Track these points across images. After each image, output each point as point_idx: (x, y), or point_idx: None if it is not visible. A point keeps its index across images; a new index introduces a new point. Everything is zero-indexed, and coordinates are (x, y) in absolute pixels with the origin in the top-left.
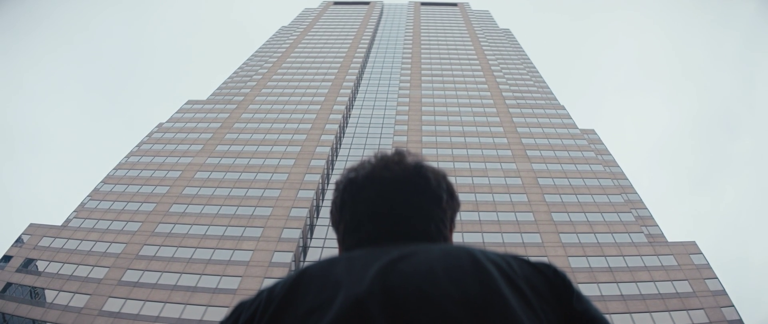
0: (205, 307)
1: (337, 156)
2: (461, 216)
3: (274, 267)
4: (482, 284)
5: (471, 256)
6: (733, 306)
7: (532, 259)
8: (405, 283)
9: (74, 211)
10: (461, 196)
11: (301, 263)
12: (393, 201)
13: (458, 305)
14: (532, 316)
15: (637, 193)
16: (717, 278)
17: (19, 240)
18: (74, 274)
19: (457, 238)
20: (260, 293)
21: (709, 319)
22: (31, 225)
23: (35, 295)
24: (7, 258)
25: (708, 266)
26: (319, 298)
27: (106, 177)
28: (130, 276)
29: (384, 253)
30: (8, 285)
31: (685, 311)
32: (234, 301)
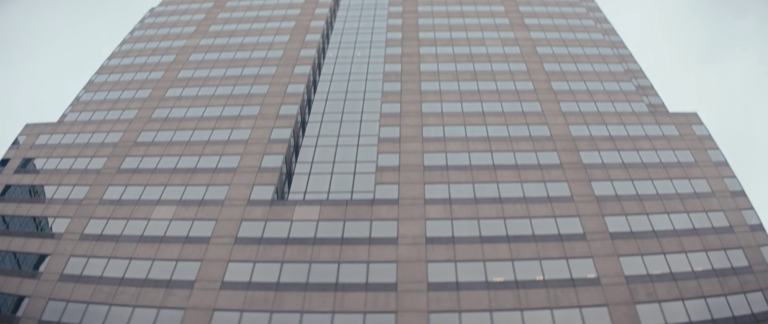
0: (205, 187)
1: (332, 29)
2: (460, 86)
3: (274, 143)
4: None
5: None
6: (735, 177)
7: None
8: None
9: (70, 106)
10: (459, 66)
11: (301, 139)
12: None
13: None
14: None
15: (636, 62)
16: (718, 149)
17: (15, 142)
18: (73, 167)
19: (456, 107)
20: None
21: (712, 189)
22: (26, 125)
23: (34, 194)
24: (4, 161)
25: (709, 137)
26: None
27: (100, 68)
28: (129, 163)
29: None
30: (7, 187)
31: (687, 180)
32: (234, 180)
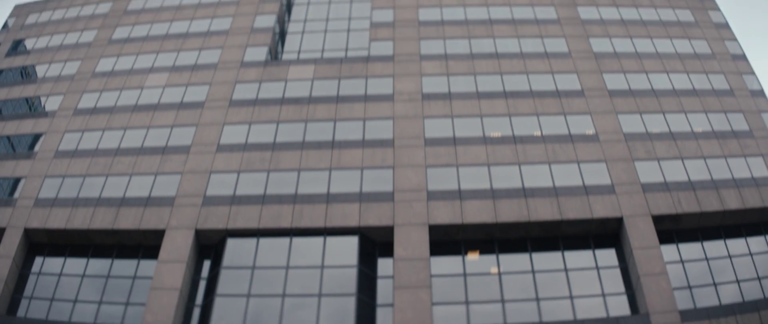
0: (198, 51)
1: None
2: None
3: (266, 3)
4: None
5: None
6: (736, 40)
7: None
8: None
9: None
10: None
11: None
12: None
13: None
14: None
15: None
16: (719, 10)
17: (5, 26)
18: (64, 43)
19: None
20: None
21: (712, 50)
22: (15, 7)
23: (26, 75)
24: None
25: None
26: None
27: None
28: (121, 33)
29: None
30: None
31: (686, 40)
32: (227, 42)
